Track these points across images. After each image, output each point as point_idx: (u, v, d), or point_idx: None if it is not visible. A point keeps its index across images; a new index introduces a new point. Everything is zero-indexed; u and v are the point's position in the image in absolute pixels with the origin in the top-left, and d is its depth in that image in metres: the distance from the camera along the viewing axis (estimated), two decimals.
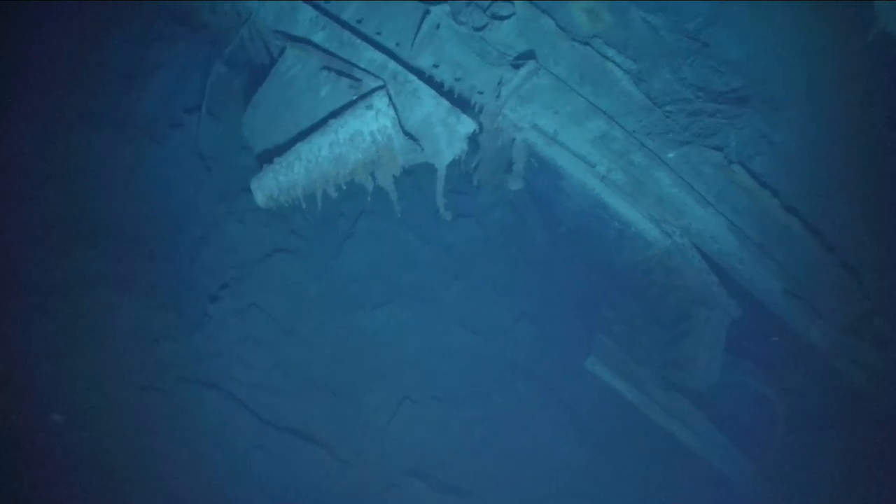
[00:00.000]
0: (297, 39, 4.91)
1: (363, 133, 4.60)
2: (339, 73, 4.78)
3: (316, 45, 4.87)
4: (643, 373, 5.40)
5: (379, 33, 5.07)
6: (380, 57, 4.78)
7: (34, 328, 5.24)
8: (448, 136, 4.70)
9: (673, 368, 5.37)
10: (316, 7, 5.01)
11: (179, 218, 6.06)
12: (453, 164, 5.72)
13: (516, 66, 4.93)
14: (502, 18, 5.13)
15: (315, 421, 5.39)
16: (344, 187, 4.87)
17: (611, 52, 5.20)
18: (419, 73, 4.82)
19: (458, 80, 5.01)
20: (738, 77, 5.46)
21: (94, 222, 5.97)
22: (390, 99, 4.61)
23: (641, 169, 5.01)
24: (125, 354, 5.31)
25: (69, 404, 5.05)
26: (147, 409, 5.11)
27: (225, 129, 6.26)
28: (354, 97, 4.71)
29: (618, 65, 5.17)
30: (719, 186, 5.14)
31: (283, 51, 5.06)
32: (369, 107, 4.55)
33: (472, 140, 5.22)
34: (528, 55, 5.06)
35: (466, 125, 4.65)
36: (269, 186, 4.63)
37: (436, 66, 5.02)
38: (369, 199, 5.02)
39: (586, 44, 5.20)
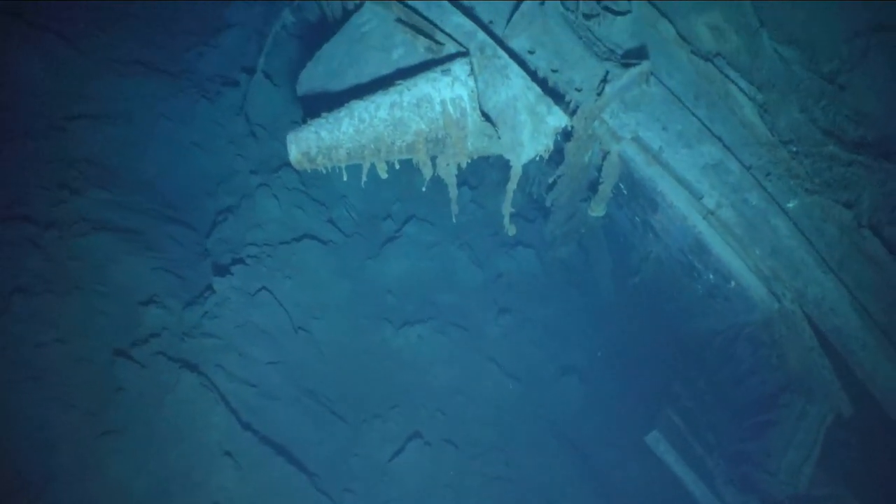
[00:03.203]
0: None
1: (433, 100, 3.67)
2: (418, 31, 3.89)
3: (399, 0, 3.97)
4: (712, 463, 4.17)
5: (472, 7, 4.20)
6: (468, 24, 3.90)
7: (20, 260, 4.39)
8: (534, 126, 3.74)
9: (749, 465, 4.13)
10: None
11: (211, 181, 5.21)
12: (529, 170, 4.79)
13: (626, 65, 3.97)
14: (616, 14, 4.23)
15: (304, 439, 4.31)
16: (397, 166, 3.90)
17: (734, 75, 4.23)
18: (511, 55, 3.87)
19: (554, 71, 4.08)
20: (874, 131, 4.41)
21: (119, 167, 5.17)
22: (472, 69, 3.68)
23: (757, 212, 3.94)
24: (108, 311, 4.40)
25: (28, 350, 4.09)
26: (113, 378, 4.15)
27: (280, 98, 5.42)
28: (431, 60, 3.83)
29: (742, 90, 4.18)
30: (843, 251, 4.03)
31: (360, 5, 4.23)
32: (447, 72, 3.64)
33: (557, 150, 4.27)
34: (640, 56, 4.12)
35: (558, 118, 3.70)
36: (307, 141, 3.69)
37: (531, 51, 4.13)
38: (424, 188, 4.02)
39: (707, 60, 4.25)
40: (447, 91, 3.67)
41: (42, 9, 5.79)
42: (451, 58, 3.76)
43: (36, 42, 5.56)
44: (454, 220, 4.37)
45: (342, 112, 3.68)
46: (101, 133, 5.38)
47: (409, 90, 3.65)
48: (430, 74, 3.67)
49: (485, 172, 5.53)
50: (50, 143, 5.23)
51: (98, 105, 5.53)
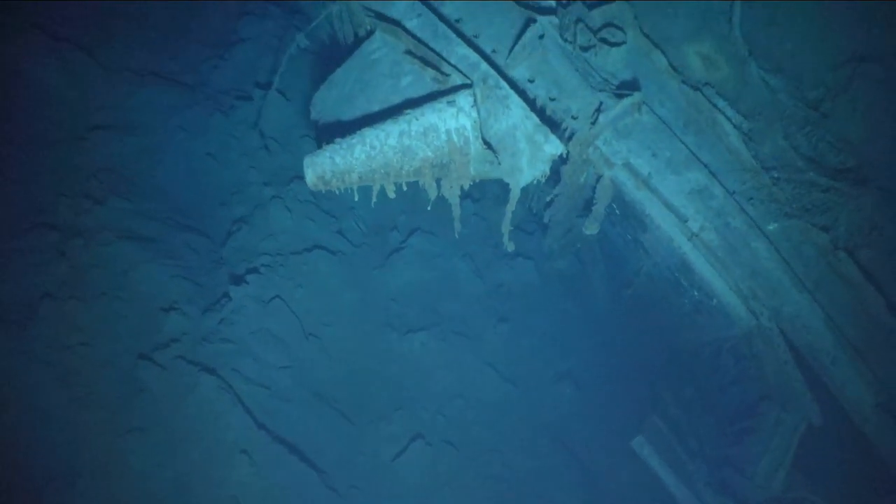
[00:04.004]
0: (388, 21, 4.47)
1: (439, 129, 4.10)
2: (426, 62, 4.32)
3: (407, 31, 4.40)
4: (694, 466, 4.63)
5: (476, 36, 4.63)
6: (473, 55, 4.32)
7: (46, 267, 4.85)
8: (532, 153, 4.16)
9: (728, 469, 4.59)
10: None
11: (225, 192, 5.64)
12: (528, 189, 5.21)
13: (619, 96, 4.40)
14: (612, 45, 4.64)
15: (314, 438, 4.77)
16: (405, 188, 4.34)
17: (722, 104, 4.65)
18: (512, 84, 4.29)
19: (552, 99, 4.49)
20: (854, 157, 4.83)
21: (137, 177, 5.60)
22: (476, 100, 4.12)
23: (738, 235, 4.38)
24: (130, 316, 4.85)
25: (55, 353, 4.54)
26: (135, 379, 4.60)
27: (292, 112, 5.85)
28: (437, 91, 4.26)
29: (728, 118, 4.62)
30: (819, 272, 4.47)
31: (370, 32, 4.66)
32: (451, 103, 4.07)
33: (554, 170, 4.70)
34: (633, 87, 4.55)
35: (554, 146, 4.12)
36: (322, 165, 4.11)
37: (531, 80, 4.54)
38: (429, 207, 4.46)
39: (696, 89, 4.67)
40: (452, 121, 4.10)
41: (60, 17, 6.20)
42: (456, 89, 4.18)
43: (56, 52, 5.96)
44: (457, 236, 4.82)
45: (355, 139, 4.11)
46: (119, 143, 5.79)
47: (416, 120, 4.08)
48: (437, 105, 4.09)
49: (487, 186, 5.96)
50: (71, 153, 5.64)
51: (116, 115, 5.93)
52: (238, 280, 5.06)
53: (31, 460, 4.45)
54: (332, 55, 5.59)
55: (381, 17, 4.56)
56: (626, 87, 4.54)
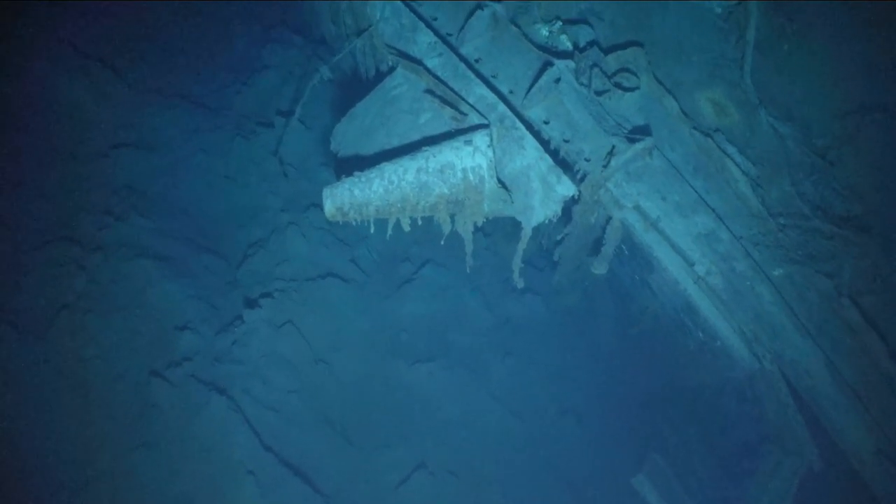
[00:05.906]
0: (410, 59, 4.77)
1: (455, 167, 4.36)
2: (445, 102, 4.60)
3: (428, 70, 4.70)
4: None
5: (495, 76, 4.91)
6: (490, 96, 4.59)
7: (66, 280, 5.13)
8: (544, 194, 4.41)
9: None
10: (437, 34, 4.91)
11: (243, 215, 5.92)
12: (540, 227, 5.48)
13: (631, 140, 4.66)
14: (626, 90, 4.93)
15: (319, 463, 4.98)
16: (419, 222, 4.60)
17: (731, 150, 4.90)
18: (527, 125, 4.57)
19: (566, 141, 4.76)
20: (859, 205, 5.06)
21: (157, 195, 5.90)
22: (492, 140, 4.39)
23: (743, 279, 4.60)
24: (145, 333, 5.10)
25: (70, 364, 4.80)
26: (147, 395, 4.84)
27: (311, 140, 6.15)
28: (455, 129, 4.53)
29: (737, 164, 4.86)
30: (822, 317, 4.67)
31: (392, 69, 4.96)
32: (468, 142, 4.33)
33: (566, 209, 4.95)
34: (645, 131, 4.81)
35: (566, 187, 4.38)
36: (341, 197, 4.38)
37: (546, 121, 4.81)
38: (443, 242, 4.72)
39: (707, 135, 4.93)
40: (468, 160, 4.36)
41: (90, 37, 6.54)
42: (473, 129, 4.45)
43: (85, 70, 6.28)
44: (468, 271, 5.07)
45: (373, 173, 4.37)
46: (141, 161, 6.08)
47: (434, 157, 4.34)
48: (454, 143, 4.36)
49: (499, 221, 6.22)
50: (95, 169, 5.93)
51: (139, 134, 6.24)
52: (252, 303, 5.32)
53: (41, 468, 4.69)
54: (353, 86, 5.90)
55: (403, 55, 4.87)
56: (639, 132, 4.80)
